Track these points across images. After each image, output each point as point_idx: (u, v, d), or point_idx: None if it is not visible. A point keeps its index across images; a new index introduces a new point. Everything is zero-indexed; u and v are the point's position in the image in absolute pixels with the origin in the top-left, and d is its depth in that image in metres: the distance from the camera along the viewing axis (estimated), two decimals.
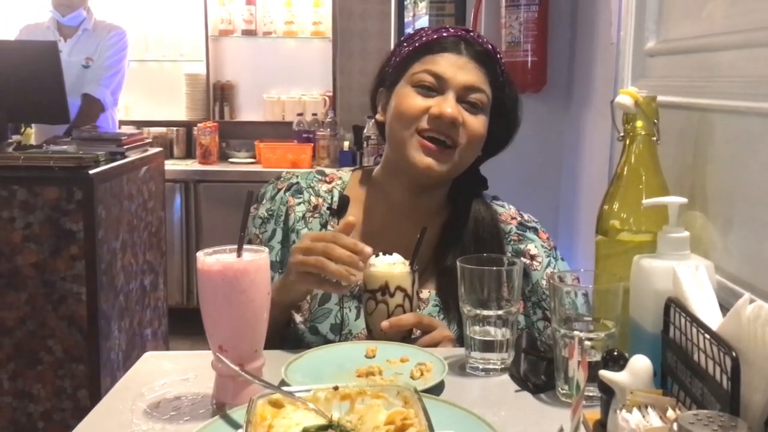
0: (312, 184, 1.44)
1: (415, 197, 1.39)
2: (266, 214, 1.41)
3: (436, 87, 1.32)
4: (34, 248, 2.40)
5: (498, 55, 1.39)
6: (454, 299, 1.26)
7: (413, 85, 1.33)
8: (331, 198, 1.43)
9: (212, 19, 4.74)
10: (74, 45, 3.81)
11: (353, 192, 1.45)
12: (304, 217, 1.40)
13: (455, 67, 1.33)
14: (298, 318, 1.34)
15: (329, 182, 1.45)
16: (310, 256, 1.18)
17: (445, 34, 1.37)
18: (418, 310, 1.29)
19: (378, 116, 1.43)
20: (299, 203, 1.41)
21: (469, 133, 1.32)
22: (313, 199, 1.42)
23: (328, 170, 1.49)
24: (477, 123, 1.33)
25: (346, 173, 1.48)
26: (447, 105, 1.30)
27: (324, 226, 1.40)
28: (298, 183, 1.44)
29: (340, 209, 1.41)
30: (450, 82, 1.32)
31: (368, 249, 1.19)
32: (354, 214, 1.41)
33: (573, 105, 2.76)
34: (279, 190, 1.43)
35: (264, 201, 1.43)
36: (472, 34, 1.40)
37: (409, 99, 1.32)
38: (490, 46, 1.39)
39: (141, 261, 2.92)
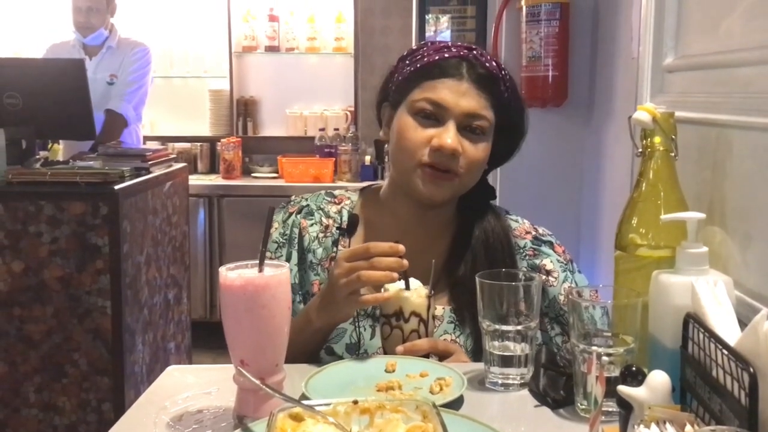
0: (321, 206, 1.45)
1: (423, 213, 1.39)
2: (281, 239, 1.42)
3: (436, 115, 1.31)
4: (60, 262, 2.43)
5: (503, 72, 1.37)
6: (470, 310, 1.26)
7: (413, 113, 1.33)
8: (341, 218, 1.43)
9: (236, 35, 4.80)
10: (99, 62, 3.88)
11: (362, 211, 1.45)
12: (317, 237, 1.41)
13: (456, 94, 1.31)
14: None
15: (338, 203, 1.46)
16: (353, 276, 1.18)
17: (446, 55, 1.35)
18: (433, 333, 1.29)
19: (382, 134, 1.43)
20: (312, 224, 1.42)
21: (469, 162, 1.32)
22: (324, 219, 1.43)
23: (336, 191, 1.50)
24: (477, 151, 1.32)
25: (354, 193, 1.49)
26: (447, 136, 1.29)
27: (335, 244, 1.41)
28: (308, 205, 1.45)
29: (349, 228, 1.42)
30: (450, 110, 1.31)
31: (401, 246, 1.20)
32: (364, 234, 1.42)
33: (594, 119, 2.76)
34: (290, 213, 1.44)
35: (276, 226, 1.43)
36: (475, 52, 1.36)
37: (410, 130, 1.32)
38: (494, 64, 1.36)
39: (165, 275, 2.95)
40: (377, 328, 1.33)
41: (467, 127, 1.32)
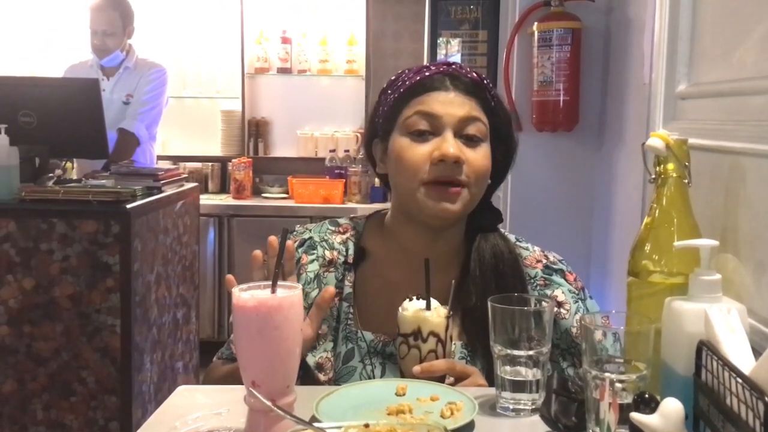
0: (325, 237, 1.41)
1: (431, 243, 1.36)
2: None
3: (431, 129, 1.30)
4: (71, 280, 2.44)
5: (485, 81, 1.36)
6: (482, 341, 1.25)
7: (408, 132, 1.31)
8: (346, 250, 1.39)
9: (248, 57, 4.84)
10: (116, 83, 3.92)
11: (369, 242, 1.42)
12: (317, 276, 1.37)
13: (446, 104, 1.30)
14: (322, 377, 1.31)
15: (343, 233, 1.42)
16: None
17: (427, 73, 1.34)
18: (451, 354, 1.28)
19: (379, 170, 1.41)
20: (312, 261, 1.38)
21: (474, 169, 1.30)
22: (327, 253, 1.39)
23: (341, 220, 1.46)
24: (480, 156, 1.31)
25: (360, 222, 1.46)
26: (447, 145, 1.27)
27: (340, 280, 1.37)
28: (311, 238, 1.41)
29: (356, 262, 1.39)
30: (444, 119, 1.29)
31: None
32: (372, 267, 1.39)
33: (605, 144, 2.76)
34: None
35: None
36: (455, 66, 1.36)
37: (407, 150, 1.30)
38: (475, 74, 1.35)
39: (174, 294, 2.96)
40: (387, 365, 1.33)
41: (464, 135, 1.30)
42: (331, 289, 1.22)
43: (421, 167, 1.29)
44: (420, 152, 1.29)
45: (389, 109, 1.35)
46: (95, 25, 3.87)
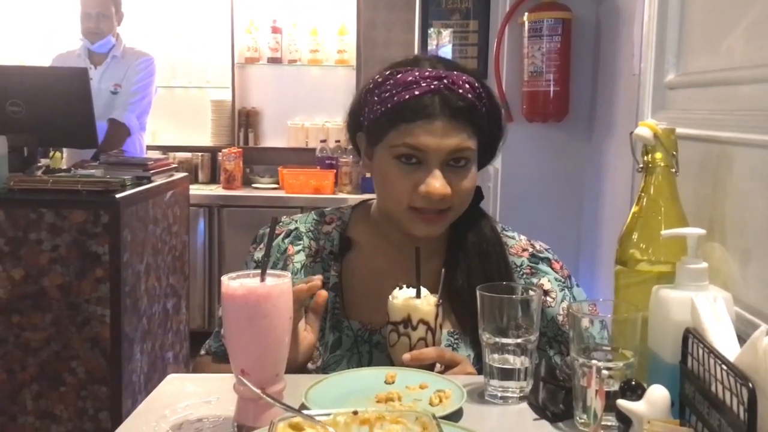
0: (312, 228, 1.41)
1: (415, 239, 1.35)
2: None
3: (418, 158, 1.27)
4: (60, 270, 2.44)
5: (478, 91, 1.29)
6: (471, 322, 1.26)
7: (394, 156, 1.28)
8: (332, 241, 1.40)
9: (239, 46, 4.83)
10: (104, 72, 3.90)
11: (355, 232, 1.42)
12: (303, 266, 1.37)
13: (435, 135, 1.25)
14: (310, 366, 1.31)
15: (329, 223, 1.42)
16: None
17: (417, 92, 1.25)
18: (440, 342, 1.28)
19: (363, 163, 1.40)
20: (298, 251, 1.39)
21: (460, 195, 1.29)
22: (313, 243, 1.39)
23: (327, 210, 1.46)
24: (465, 182, 1.30)
25: (346, 212, 1.46)
26: (434, 181, 1.25)
27: (326, 270, 1.37)
28: (297, 228, 1.41)
29: (342, 252, 1.39)
30: (432, 153, 1.26)
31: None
32: (358, 256, 1.40)
33: (595, 135, 2.77)
34: (277, 236, 1.40)
35: (261, 244, 1.41)
36: (445, 81, 1.26)
37: (394, 177, 1.28)
38: (467, 86, 1.27)
39: (164, 284, 2.96)
40: (374, 353, 1.33)
41: (453, 159, 1.28)
42: (323, 293, 1.22)
43: (406, 195, 1.28)
44: (407, 182, 1.27)
45: (375, 120, 1.31)
46: (88, 8, 3.85)
